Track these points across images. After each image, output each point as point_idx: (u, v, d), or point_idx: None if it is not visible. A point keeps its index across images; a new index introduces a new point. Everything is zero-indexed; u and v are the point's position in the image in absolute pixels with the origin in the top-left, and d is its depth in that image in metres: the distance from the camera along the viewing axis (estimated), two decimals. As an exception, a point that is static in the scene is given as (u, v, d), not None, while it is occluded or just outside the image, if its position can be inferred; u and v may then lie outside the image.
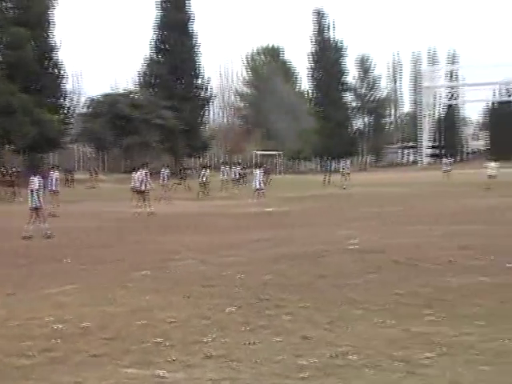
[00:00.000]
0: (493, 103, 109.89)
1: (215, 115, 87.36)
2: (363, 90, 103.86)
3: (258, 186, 24.39)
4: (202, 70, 69.95)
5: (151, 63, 66.51)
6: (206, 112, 74.40)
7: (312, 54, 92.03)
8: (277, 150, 65.19)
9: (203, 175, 33.83)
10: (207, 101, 72.43)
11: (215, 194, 32.95)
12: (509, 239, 12.86)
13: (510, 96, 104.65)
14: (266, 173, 42.04)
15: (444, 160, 50.95)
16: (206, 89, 71.07)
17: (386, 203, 24.88)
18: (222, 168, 39.07)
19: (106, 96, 62.92)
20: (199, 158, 70.60)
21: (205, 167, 37.11)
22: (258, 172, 25.39)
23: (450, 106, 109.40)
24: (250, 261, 11.06)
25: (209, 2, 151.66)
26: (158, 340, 6.21)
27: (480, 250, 11.28)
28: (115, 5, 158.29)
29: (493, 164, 37.30)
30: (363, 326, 6.59)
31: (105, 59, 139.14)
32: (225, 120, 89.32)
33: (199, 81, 69.83)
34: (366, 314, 7.10)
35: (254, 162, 52.07)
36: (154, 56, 66.97)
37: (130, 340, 6.27)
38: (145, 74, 66.85)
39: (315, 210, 22.92)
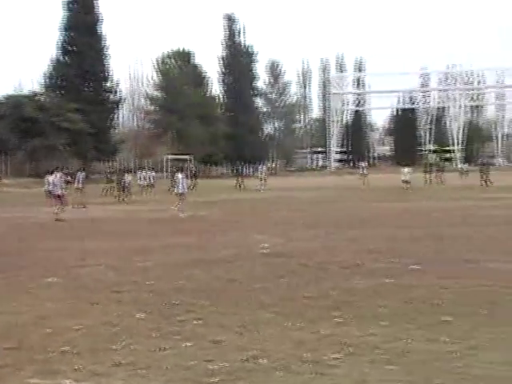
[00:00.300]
0: (397, 110, 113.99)
1: (125, 119, 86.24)
2: (274, 96, 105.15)
3: (180, 191, 24.23)
4: (110, 73, 68.96)
5: (58, 65, 64.81)
6: (116, 115, 73.36)
7: (223, 58, 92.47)
8: (188, 154, 64.84)
9: (125, 180, 33.34)
10: (116, 104, 71.35)
11: (132, 199, 32.49)
12: (412, 242, 13.35)
13: (413, 103, 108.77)
14: (194, 177, 41.84)
15: (361, 164, 52.21)
16: (115, 92, 70.07)
17: (297, 207, 25.28)
18: (139, 173, 38.62)
19: (9, 97, 60.74)
20: (109, 161, 69.36)
21: (126, 171, 36.76)
22: (180, 176, 25.19)
23: (357, 112, 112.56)
24: (162, 266, 10.93)
25: (118, 4, 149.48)
26: (64, 348, 6.02)
27: (385, 253, 11.65)
28: (19, 3, 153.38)
29: (406, 169, 38.90)
30: (274, 329, 6.64)
31: (8, 59, 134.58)
32: (135, 124, 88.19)
33: (108, 84, 68.73)
34: (277, 317, 7.16)
35: (167, 165, 51.61)
36: (61, 58, 65.31)
37: (35, 349, 6.05)
38: (51, 75, 65.02)
39: (228, 215, 22.95)
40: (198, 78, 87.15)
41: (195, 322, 6.96)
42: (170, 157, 69.48)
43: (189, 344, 6.12)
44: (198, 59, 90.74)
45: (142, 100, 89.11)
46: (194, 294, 8.42)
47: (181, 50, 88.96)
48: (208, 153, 78.88)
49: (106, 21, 67.45)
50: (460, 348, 5.78)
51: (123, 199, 32.14)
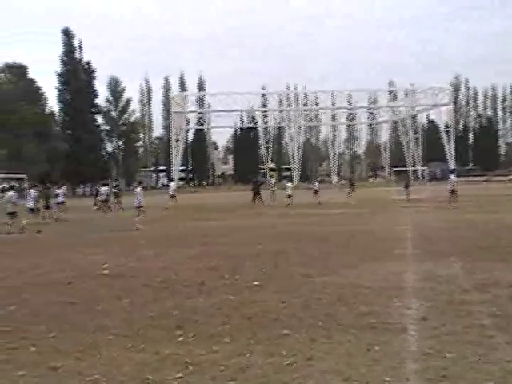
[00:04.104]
0: (238, 129, 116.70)
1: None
2: (115, 114, 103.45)
3: (139, 204, 24.01)
4: None
5: None
6: None
7: (61, 74, 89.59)
8: (23, 174, 61.83)
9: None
10: None
11: None
12: (251, 259, 13.60)
13: (256, 123, 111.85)
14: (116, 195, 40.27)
15: (171, 184, 51.30)
16: None
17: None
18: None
19: None
20: None
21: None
22: (138, 190, 24.87)
23: (199, 131, 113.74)
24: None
25: None
26: None
27: (226, 270, 11.78)
28: None
29: (289, 184, 41.86)
30: (115, 352, 6.49)
31: None
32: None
33: None
34: (118, 339, 7.01)
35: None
36: None
37: None
38: None
39: (60, 237, 22.05)
40: (33, 94, 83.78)
41: (30, 349, 6.63)
42: (1, 176, 66.01)
43: (22, 372, 5.81)
44: (37, 74, 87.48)
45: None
46: (27, 320, 8.02)
47: (14, 63, 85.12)
48: (44, 171, 75.69)
49: None
50: (298, 360, 5.97)
51: None
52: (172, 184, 43.91)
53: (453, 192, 33.81)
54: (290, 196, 39.32)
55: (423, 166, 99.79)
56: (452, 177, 36.37)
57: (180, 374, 5.65)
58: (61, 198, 32.60)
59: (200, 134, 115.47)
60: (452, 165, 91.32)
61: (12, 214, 23.36)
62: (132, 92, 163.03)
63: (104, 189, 37.84)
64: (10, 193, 24.30)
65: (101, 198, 36.69)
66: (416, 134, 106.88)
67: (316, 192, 41.82)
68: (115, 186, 44.44)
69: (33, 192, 24.55)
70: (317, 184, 43.83)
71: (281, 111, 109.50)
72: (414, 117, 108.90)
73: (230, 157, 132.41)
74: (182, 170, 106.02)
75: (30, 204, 23.88)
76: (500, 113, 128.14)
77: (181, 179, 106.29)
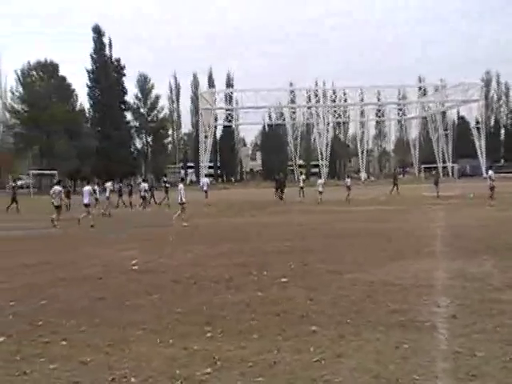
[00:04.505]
0: (266, 126, 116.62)
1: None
2: (143, 110, 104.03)
3: (181, 200, 24.78)
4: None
5: None
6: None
7: (91, 71, 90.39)
8: (54, 170, 62.66)
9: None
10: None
11: None
12: (279, 255, 13.60)
13: (284, 120, 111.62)
14: (166, 191, 40.83)
15: (204, 180, 50.83)
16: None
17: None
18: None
19: None
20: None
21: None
22: (180, 186, 25.65)
23: (228, 128, 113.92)
24: (23, 286, 10.45)
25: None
26: None
27: (254, 267, 11.80)
28: None
29: (319, 181, 42.48)
30: (144, 347, 6.55)
31: None
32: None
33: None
34: (148, 334, 7.07)
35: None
36: None
37: None
38: None
39: (90, 233, 22.28)
40: (64, 91, 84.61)
41: (61, 343, 6.73)
42: (33, 172, 67.23)
43: (54, 366, 5.90)
44: (68, 72, 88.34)
45: (6, 114, 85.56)
46: (58, 314, 8.13)
47: (45, 61, 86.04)
48: (75, 168, 76.53)
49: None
50: (326, 357, 5.97)
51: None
52: (205, 180, 44.49)
53: (492, 189, 33.54)
54: (320, 193, 39.47)
55: (453, 162, 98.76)
56: (491, 172, 36.06)
57: (208, 370, 5.69)
58: (106, 194, 34.34)
59: (228, 131, 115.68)
60: (483, 161, 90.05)
61: (58, 208, 24.38)
62: (162, 88, 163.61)
63: (143, 185, 38.39)
64: (57, 187, 25.36)
65: (141, 194, 37.26)
66: (446, 130, 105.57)
67: (349, 188, 41.61)
68: (165, 182, 44.99)
69: (87, 188, 25.73)
70: (349, 180, 43.65)
71: (309, 107, 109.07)
72: (443, 113, 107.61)
73: (258, 153, 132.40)
74: (210, 167, 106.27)
75: (86, 200, 24.92)
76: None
77: (209, 175, 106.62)
